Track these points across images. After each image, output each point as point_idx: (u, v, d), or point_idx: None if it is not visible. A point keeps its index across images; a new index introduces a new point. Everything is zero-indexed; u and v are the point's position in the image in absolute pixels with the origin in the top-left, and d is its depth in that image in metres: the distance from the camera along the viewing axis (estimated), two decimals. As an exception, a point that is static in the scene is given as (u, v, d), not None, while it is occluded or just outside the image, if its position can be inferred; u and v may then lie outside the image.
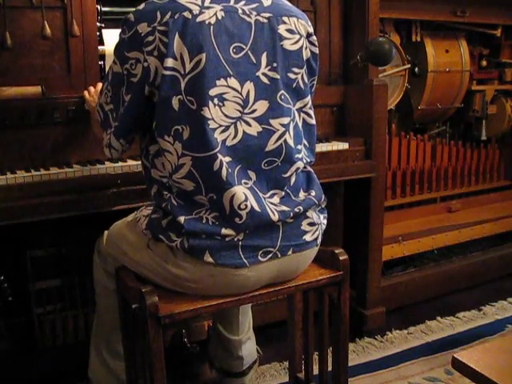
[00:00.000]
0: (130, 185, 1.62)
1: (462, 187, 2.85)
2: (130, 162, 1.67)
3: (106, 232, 1.55)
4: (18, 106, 1.61)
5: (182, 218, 1.24)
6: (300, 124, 1.34)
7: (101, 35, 1.81)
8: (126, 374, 1.53)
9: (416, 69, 2.65)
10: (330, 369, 1.59)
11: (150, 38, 1.19)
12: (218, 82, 1.20)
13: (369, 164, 2.10)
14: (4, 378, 1.81)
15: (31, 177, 1.54)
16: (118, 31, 1.82)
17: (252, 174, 1.27)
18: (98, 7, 1.78)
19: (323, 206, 1.42)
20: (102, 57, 1.80)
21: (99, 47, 1.79)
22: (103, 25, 1.82)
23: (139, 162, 1.66)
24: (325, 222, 1.43)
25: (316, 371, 1.70)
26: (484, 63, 2.89)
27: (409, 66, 2.57)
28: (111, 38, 1.83)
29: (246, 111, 1.24)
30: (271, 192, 1.30)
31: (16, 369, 1.84)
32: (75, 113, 1.67)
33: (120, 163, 1.66)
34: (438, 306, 2.55)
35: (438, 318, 2.44)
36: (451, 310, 2.51)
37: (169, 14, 1.19)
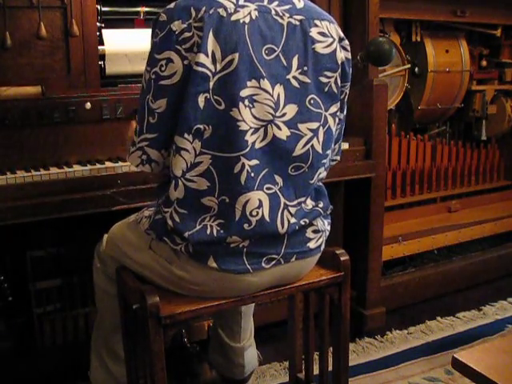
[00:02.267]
0: (129, 185, 1.62)
1: (461, 187, 2.85)
2: (130, 162, 1.66)
3: (105, 236, 1.53)
4: (18, 106, 1.60)
5: (186, 234, 1.22)
6: (334, 128, 1.32)
7: (101, 35, 1.81)
8: (126, 374, 1.53)
9: (416, 69, 2.65)
10: (330, 369, 1.59)
11: (187, 35, 1.16)
12: (249, 83, 1.17)
13: (369, 164, 2.10)
14: (4, 377, 1.81)
15: (31, 177, 1.54)
16: (117, 31, 1.86)
17: (279, 179, 1.25)
18: (98, 7, 1.78)
19: (328, 213, 1.41)
20: (102, 57, 1.80)
21: (99, 47, 1.79)
22: (103, 25, 1.82)
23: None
24: (328, 227, 1.42)
25: (316, 371, 1.70)
26: (484, 63, 2.89)
27: (409, 66, 2.58)
28: (111, 37, 1.83)
29: (277, 114, 1.21)
30: (299, 199, 1.28)
31: (16, 369, 1.84)
32: (75, 113, 1.67)
33: (120, 163, 1.66)
34: (438, 305, 2.55)
35: (438, 318, 2.44)
36: (451, 310, 2.51)
37: (203, 9, 1.15)
